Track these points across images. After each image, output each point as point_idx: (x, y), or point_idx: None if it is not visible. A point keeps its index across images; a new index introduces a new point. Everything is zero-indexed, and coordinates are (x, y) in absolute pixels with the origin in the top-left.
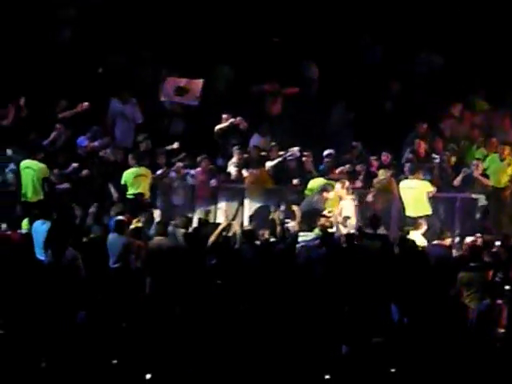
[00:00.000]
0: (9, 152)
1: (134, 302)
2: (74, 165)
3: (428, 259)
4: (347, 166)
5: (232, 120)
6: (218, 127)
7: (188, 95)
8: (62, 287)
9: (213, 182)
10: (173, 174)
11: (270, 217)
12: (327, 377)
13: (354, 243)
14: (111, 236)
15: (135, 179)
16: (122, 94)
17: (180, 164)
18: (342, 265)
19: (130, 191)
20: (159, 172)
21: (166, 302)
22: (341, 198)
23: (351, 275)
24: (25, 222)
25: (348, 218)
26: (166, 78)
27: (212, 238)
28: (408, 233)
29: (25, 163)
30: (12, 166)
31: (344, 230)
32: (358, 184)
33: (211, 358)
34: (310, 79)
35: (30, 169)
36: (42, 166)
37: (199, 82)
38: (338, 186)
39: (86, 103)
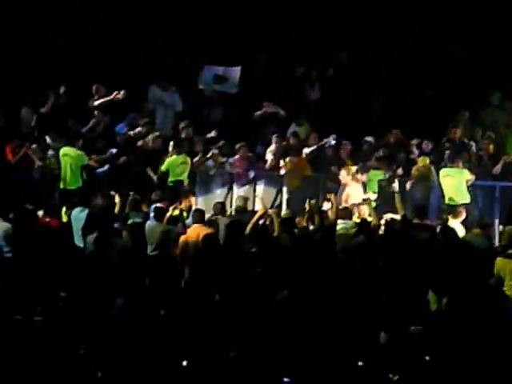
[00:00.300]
0: (48, 139)
1: (172, 290)
2: (113, 150)
3: (469, 248)
4: (381, 151)
5: (267, 108)
6: (255, 114)
7: (226, 83)
8: (100, 274)
9: (252, 174)
10: (210, 162)
11: (308, 205)
12: (360, 363)
13: (395, 231)
14: (150, 223)
15: (176, 167)
16: (161, 82)
17: (215, 151)
18: (381, 253)
19: (171, 178)
20: (195, 159)
21: (205, 290)
22: (346, 185)
23: (391, 263)
24: (64, 210)
25: (356, 205)
26: (204, 67)
27: (249, 226)
28: (447, 221)
29: (63, 150)
30: (51, 152)
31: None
32: (399, 172)
33: (250, 345)
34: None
35: (69, 156)
36: (80, 153)
37: (237, 70)
38: (343, 172)
39: (122, 92)
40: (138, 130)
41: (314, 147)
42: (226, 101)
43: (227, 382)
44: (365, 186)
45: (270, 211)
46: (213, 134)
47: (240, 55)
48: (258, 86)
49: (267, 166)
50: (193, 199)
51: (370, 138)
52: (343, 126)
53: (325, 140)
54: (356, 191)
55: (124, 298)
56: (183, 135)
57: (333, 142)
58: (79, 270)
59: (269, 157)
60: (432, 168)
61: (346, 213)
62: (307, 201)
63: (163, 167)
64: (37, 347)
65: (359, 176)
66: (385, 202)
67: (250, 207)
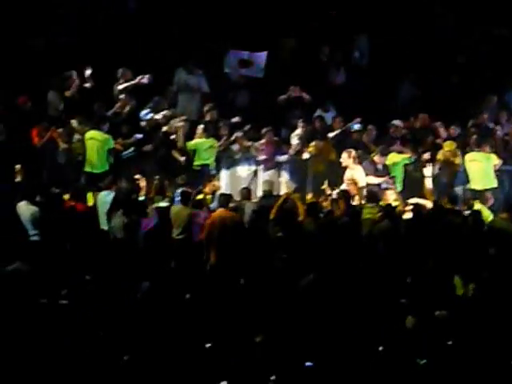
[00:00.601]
0: (74, 123)
1: (197, 274)
2: (138, 135)
3: (497, 232)
4: (407, 135)
5: (291, 93)
6: (280, 98)
7: (252, 67)
8: (126, 257)
9: (279, 158)
10: (235, 147)
11: (332, 190)
12: (384, 348)
13: (424, 216)
14: (176, 207)
15: (204, 150)
16: (187, 65)
17: (239, 134)
18: (407, 238)
19: (197, 162)
20: (219, 143)
21: (230, 274)
22: (347, 168)
23: (418, 248)
24: (90, 193)
25: (364, 187)
26: (230, 51)
27: (273, 211)
28: (473, 206)
29: (90, 134)
30: (77, 136)
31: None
32: (426, 156)
33: (275, 329)
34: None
35: (95, 139)
36: (106, 136)
37: (263, 55)
38: (344, 155)
39: (146, 76)
40: (163, 113)
41: (338, 131)
42: (252, 85)
43: (250, 365)
44: (386, 169)
45: (292, 195)
46: (237, 119)
47: (266, 39)
48: (283, 71)
49: (294, 149)
50: (217, 183)
51: (396, 122)
52: (368, 111)
53: (348, 124)
54: (360, 173)
55: (149, 282)
56: (207, 118)
57: (356, 127)
58: (104, 253)
59: (294, 141)
60: (458, 153)
61: (373, 197)
62: (326, 185)
63: (190, 145)
64: (62, 331)
65: (377, 159)
66: (410, 186)
67: (276, 192)
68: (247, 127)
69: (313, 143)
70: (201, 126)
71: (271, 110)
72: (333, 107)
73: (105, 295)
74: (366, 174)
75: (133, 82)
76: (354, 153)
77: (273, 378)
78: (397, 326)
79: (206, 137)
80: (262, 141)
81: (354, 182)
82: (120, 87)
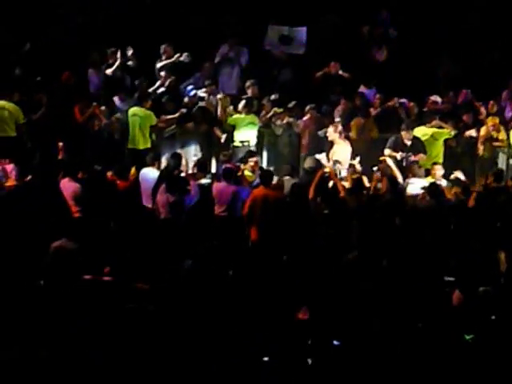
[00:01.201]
0: (116, 100)
1: (240, 251)
2: (182, 110)
3: None
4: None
5: (327, 69)
6: (317, 75)
7: (293, 43)
8: (168, 234)
9: (321, 133)
10: (278, 122)
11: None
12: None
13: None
14: (219, 184)
15: (244, 126)
16: (229, 41)
17: (277, 109)
18: (454, 214)
19: (238, 138)
20: (260, 119)
21: (273, 251)
22: (333, 143)
23: (463, 225)
24: (133, 170)
25: (338, 162)
26: (269, 27)
27: (311, 188)
28: None
29: (132, 110)
30: (119, 114)
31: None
32: (470, 133)
33: (319, 305)
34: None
35: (137, 116)
36: (149, 113)
37: (303, 30)
38: (330, 129)
39: (184, 54)
40: (205, 89)
41: (379, 109)
42: (294, 61)
43: (290, 343)
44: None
45: (329, 171)
46: (275, 96)
47: (307, 15)
48: (325, 47)
49: (334, 127)
50: (258, 160)
51: (434, 97)
52: (408, 87)
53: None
54: (343, 149)
55: (192, 259)
56: (248, 94)
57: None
58: (147, 230)
59: (337, 118)
60: (502, 128)
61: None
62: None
63: (231, 119)
64: (106, 308)
65: (404, 134)
66: (451, 160)
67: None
68: (291, 104)
69: (354, 120)
70: (242, 102)
71: (312, 86)
72: (374, 84)
73: (148, 272)
74: (395, 151)
75: (171, 60)
76: (340, 127)
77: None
78: (442, 303)
79: (247, 113)
80: (305, 117)
81: (338, 158)
82: (159, 65)
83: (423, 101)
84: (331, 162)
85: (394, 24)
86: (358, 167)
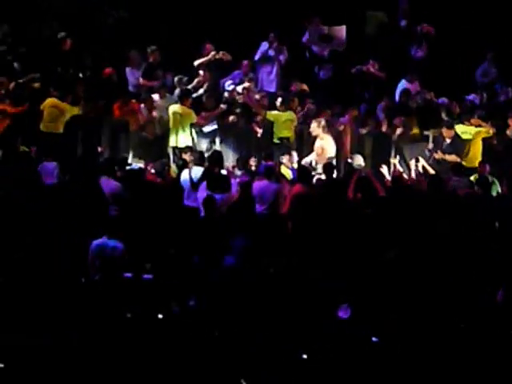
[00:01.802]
0: (155, 97)
1: (281, 248)
2: (222, 106)
3: None
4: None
5: (359, 67)
6: (352, 71)
7: (333, 42)
8: (208, 232)
9: (362, 130)
10: (314, 124)
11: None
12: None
13: None
14: (261, 182)
15: (282, 123)
16: (269, 38)
17: (311, 106)
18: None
19: (276, 135)
20: (298, 116)
21: (313, 247)
22: (317, 137)
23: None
24: (173, 168)
25: (333, 158)
26: (308, 29)
27: (350, 188)
28: None
29: (173, 108)
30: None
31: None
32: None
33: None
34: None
35: (178, 114)
36: (189, 111)
37: (342, 29)
38: (313, 124)
39: (221, 52)
40: (243, 86)
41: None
42: (334, 59)
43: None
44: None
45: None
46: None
47: (351, 13)
48: (364, 44)
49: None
50: (296, 157)
51: (471, 97)
52: (448, 85)
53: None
54: (329, 144)
55: (233, 256)
56: (293, 90)
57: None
58: (188, 227)
59: (380, 115)
60: None
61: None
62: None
63: (269, 115)
64: (146, 304)
65: (445, 132)
66: (490, 159)
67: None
68: (332, 104)
69: (397, 119)
70: (279, 99)
71: (351, 84)
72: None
73: (188, 269)
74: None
75: (207, 58)
76: (323, 122)
77: None
78: (488, 299)
79: (284, 110)
80: (346, 116)
81: (323, 152)
82: (197, 62)
83: (462, 99)
84: (318, 157)
85: (434, 21)
86: (399, 166)
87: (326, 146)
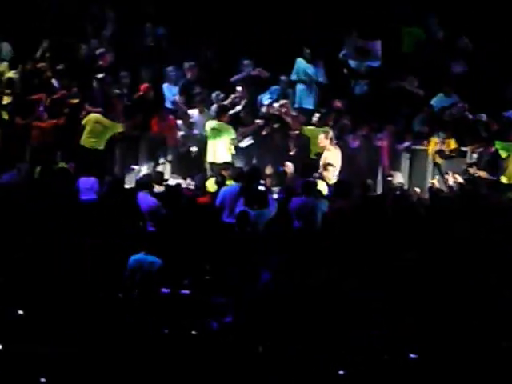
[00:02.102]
0: (192, 114)
1: (319, 263)
2: (258, 121)
3: None
4: None
5: (398, 83)
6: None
7: (369, 56)
8: (246, 247)
9: (400, 146)
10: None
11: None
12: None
13: None
14: (299, 198)
15: (317, 138)
16: (306, 54)
17: (346, 122)
18: None
19: (314, 151)
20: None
21: (352, 264)
22: (324, 149)
23: None
24: (211, 183)
25: (331, 165)
26: (345, 40)
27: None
28: None
29: (210, 124)
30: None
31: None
32: None
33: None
34: None
35: (216, 129)
36: (227, 126)
37: (377, 43)
38: (321, 136)
39: (257, 69)
40: (280, 102)
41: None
42: (371, 75)
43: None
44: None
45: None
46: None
47: (386, 28)
48: (402, 60)
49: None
50: (334, 172)
51: (510, 114)
52: (486, 101)
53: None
54: (334, 156)
55: (270, 272)
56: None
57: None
58: (225, 243)
59: (417, 130)
60: None
61: None
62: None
63: (306, 129)
64: (182, 320)
65: (483, 148)
66: None
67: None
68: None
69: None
70: (316, 115)
71: (388, 99)
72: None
73: (224, 285)
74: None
75: (242, 75)
76: (331, 134)
77: None
78: None
79: (321, 126)
80: (384, 132)
81: (329, 164)
82: (233, 79)
83: (500, 116)
84: (322, 169)
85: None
86: (437, 184)
87: (330, 158)
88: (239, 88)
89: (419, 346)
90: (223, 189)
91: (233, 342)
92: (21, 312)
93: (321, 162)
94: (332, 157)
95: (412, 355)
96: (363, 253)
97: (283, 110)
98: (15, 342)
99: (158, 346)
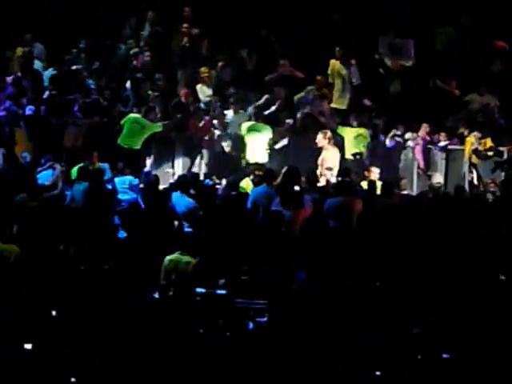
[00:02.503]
0: (228, 114)
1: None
2: (288, 121)
3: None
4: None
5: (436, 82)
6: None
7: (402, 55)
8: (279, 247)
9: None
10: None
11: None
12: None
13: None
14: (334, 198)
15: (353, 139)
16: (341, 55)
17: (378, 122)
18: None
19: (348, 151)
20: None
21: (389, 263)
22: (322, 149)
23: None
24: (245, 183)
25: (331, 169)
26: (380, 37)
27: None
28: None
29: (247, 125)
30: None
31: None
32: None
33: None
34: None
35: (255, 131)
36: (266, 126)
37: (411, 42)
38: (319, 136)
39: (290, 69)
40: (316, 102)
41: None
42: (405, 74)
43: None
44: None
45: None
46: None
47: (421, 28)
48: (437, 59)
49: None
50: (372, 172)
51: None
52: None
53: None
54: (333, 155)
55: (306, 273)
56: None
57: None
58: (260, 243)
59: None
60: None
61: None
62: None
63: (340, 129)
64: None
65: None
66: None
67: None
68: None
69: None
70: (352, 115)
71: (422, 99)
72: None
73: (259, 285)
74: None
75: (275, 75)
76: (329, 133)
77: None
78: None
79: (357, 126)
80: (420, 132)
81: (324, 163)
82: (267, 78)
83: None
84: (320, 169)
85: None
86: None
87: (328, 157)
88: (276, 88)
89: (450, 346)
90: (253, 190)
91: (268, 343)
92: (54, 313)
93: (319, 162)
94: (330, 157)
95: (445, 355)
96: (402, 252)
97: (318, 109)
98: (46, 341)
99: (193, 346)
